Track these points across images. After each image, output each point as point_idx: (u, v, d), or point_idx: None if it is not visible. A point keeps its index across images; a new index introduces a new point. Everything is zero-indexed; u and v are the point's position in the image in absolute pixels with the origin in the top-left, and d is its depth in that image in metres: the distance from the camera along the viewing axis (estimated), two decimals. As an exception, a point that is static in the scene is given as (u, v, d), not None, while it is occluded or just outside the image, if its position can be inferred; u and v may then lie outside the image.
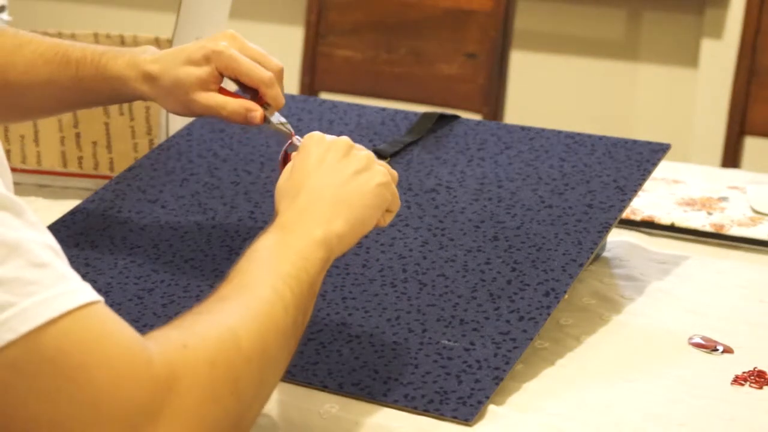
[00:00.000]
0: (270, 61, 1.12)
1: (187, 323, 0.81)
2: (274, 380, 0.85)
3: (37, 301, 0.71)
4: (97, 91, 1.15)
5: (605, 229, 1.14)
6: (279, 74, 1.12)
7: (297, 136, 1.07)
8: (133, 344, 0.75)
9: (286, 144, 1.07)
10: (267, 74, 1.10)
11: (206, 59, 1.10)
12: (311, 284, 0.90)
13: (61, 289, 0.72)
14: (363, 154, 0.99)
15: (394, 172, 1.01)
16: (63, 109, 1.24)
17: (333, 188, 0.95)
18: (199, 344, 0.78)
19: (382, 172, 0.98)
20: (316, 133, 1.00)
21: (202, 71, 1.10)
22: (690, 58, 2.82)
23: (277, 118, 1.10)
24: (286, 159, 1.06)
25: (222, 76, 1.11)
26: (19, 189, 1.44)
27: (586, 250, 1.11)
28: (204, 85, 1.10)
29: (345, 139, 0.99)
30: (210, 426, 0.77)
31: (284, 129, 1.09)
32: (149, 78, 1.12)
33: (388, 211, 0.99)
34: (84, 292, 0.74)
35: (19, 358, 0.71)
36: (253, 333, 0.82)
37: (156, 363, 0.75)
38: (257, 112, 1.10)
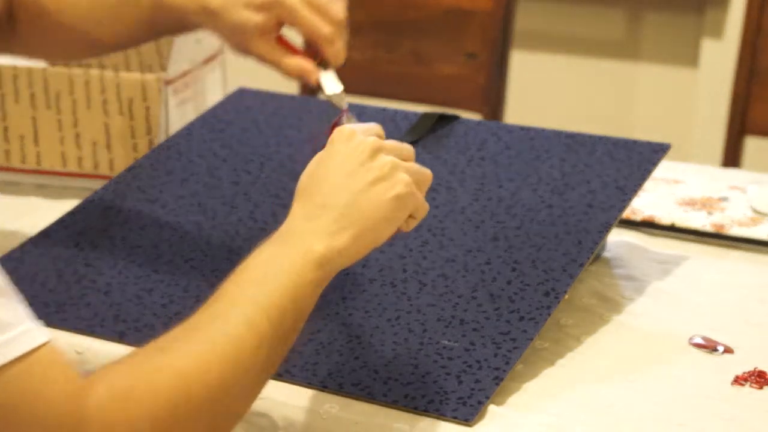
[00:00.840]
0: (332, 12, 1.05)
1: (141, 363, 0.78)
2: (232, 422, 0.82)
3: None
4: (159, 23, 1.11)
5: (605, 229, 1.14)
6: (340, 26, 1.05)
7: (349, 113, 1.02)
8: (68, 401, 0.73)
9: (336, 117, 1.02)
10: (326, 30, 1.03)
11: (266, 6, 1.05)
12: (298, 311, 0.86)
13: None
14: (387, 160, 0.91)
15: (427, 172, 0.95)
16: (124, 43, 1.18)
17: (348, 195, 0.90)
18: (145, 396, 0.75)
19: (404, 182, 0.91)
20: (347, 128, 0.93)
21: (260, 18, 1.05)
22: (690, 58, 2.82)
23: (331, 86, 1.04)
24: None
25: (282, 24, 1.06)
26: (19, 189, 1.44)
27: (586, 250, 1.11)
28: (262, 32, 1.05)
29: (373, 140, 0.92)
30: None
31: (336, 101, 1.03)
32: (209, 12, 1.06)
33: (411, 216, 0.94)
34: (22, 342, 0.72)
35: None
36: (212, 379, 0.79)
37: (92, 421, 0.73)
38: (312, 75, 1.05)
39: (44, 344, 0.74)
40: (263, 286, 0.85)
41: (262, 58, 1.06)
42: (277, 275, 0.85)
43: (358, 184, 0.90)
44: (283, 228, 0.90)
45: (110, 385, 0.75)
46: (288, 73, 1.05)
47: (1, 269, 0.74)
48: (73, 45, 1.17)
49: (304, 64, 1.05)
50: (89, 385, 0.75)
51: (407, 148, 0.96)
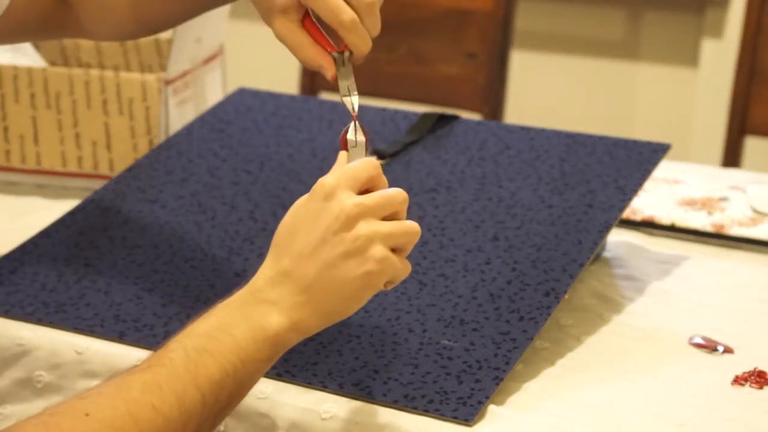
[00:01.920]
0: None
1: (63, 413, 0.75)
2: None
3: None
4: None
5: (605, 229, 1.14)
6: (366, 10, 0.91)
7: (359, 121, 0.93)
8: None
9: (347, 126, 0.94)
10: (348, 16, 0.91)
11: None
12: (238, 387, 0.83)
13: None
14: (363, 232, 0.84)
15: (413, 229, 0.87)
16: (173, 20, 1.11)
17: (315, 267, 0.84)
18: None
19: (377, 258, 0.84)
20: (328, 182, 0.85)
21: None
22: (690, 58, 2.82)
23: (346, 87, 0.95)
24: (343, 143, 0.93)
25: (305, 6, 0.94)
26: (19, 189, 1.44)
27: (586, 250, 1.11)
28: (284, 12, 0.95)
29: (352, 205, 0.84)
30: None
31: (347, 104, 0.95)
32: None
33: (389, 281, 0.88)
34: None
35: None
36: None
37: None
38: (328, 72, 0.95)
39: None
40: (206, 357, 0.81)
41: (281, 40, 0.96)
42: (224, 347, 0.82)
43: (328, 255, 0.84)
44: (249, 286, 0.86)
45: None
46: (304, 63, 0.96)
47: None
48: (125, 23, 1.08)
49: (320, 57, 0.95)
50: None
51: (397, 200, 0.87)
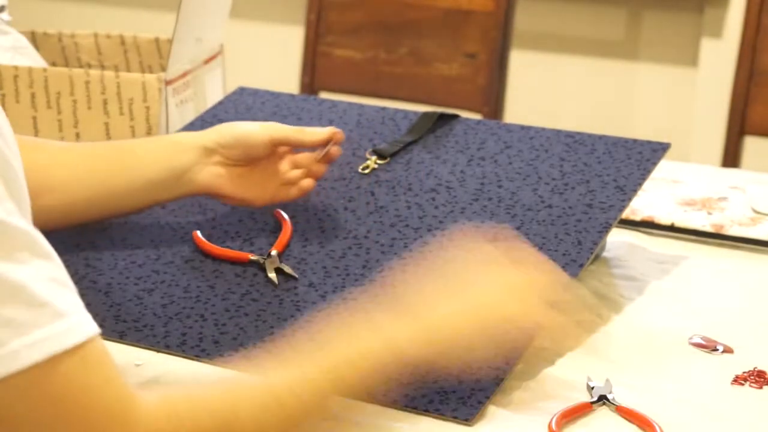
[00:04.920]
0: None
1: (192, 391, 0.81)
2: None
3: (28, 343, 0.70)
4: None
5: (605, 229, 1.14)
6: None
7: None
8: (118, 400, 0.74)
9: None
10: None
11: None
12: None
13: (54, 330, 0.72)
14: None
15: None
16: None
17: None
18: (189, 421, 0.77)
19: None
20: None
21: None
22: (690, 57, 2.82)
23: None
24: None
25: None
26: (19, 189, 1.44)
27: (586, 250, 1.11)
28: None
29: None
30: None
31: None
32: None
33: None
34: (78, 331, 0.73)
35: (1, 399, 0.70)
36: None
37: (140, 426, 0.74)
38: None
39: (96, 336, 0.75)
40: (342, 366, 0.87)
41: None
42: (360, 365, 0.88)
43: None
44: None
45: (160, 398, 0.77)
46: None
47: (59, 261, 0.75)
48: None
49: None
50: (135, 391, 0.76)
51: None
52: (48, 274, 0.73)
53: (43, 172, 1.09)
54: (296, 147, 1.18)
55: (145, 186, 1.13)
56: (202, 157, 1.14)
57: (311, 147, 1.16)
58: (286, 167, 1.18)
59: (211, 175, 1.15)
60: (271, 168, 1.17)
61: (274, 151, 1.17)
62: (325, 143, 1.17)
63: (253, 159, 1.16)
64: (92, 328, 0.75)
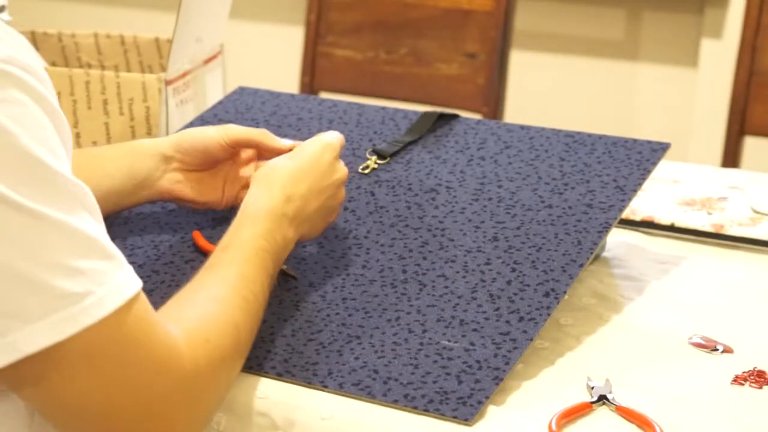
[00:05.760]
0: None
1: (203, 312, 0.92)
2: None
3: (109, 290, 0.82)
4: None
5: (605, 229, 1.14)
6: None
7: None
8: (166, 344, 0.86)
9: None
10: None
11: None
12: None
13: (123, 278, 0.84)
14: (342, 187, 1.13)
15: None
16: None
17: (317, 203, 1.09)
18: (218, 341, 0.91)
19: (342, 200, 1.13)
20: (334, 147, 1.12)
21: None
22: (690, 58, 2.82)
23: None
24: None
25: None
26: (19, 189, 1.44)
27: (586, 250, 1.11)
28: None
29: (346, 173, 1.13)
30: (212, 407, 0.93)
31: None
32: None
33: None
34: (135, 279, 0.86)
35: (91, 342, 0.82)
36: (248, 331, 0.97)
37: (185, 358, 0.87)
38: None
39: (140, 288, 0.86)
40: (265, 255, 1.02)
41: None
42: (272, 251, 1.03)
43: (326, 200, 1.10)
44: (271, 209, 1.05)
45: (189, 332, 0.89)
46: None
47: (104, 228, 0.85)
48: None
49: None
50: (171, 328, 0.88)
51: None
52: (101, 227, 0.85)
53: None
54: (258, 148, 1.19)
55: (108, 192, 1.16)
56: (160, 164, 1.17)
57: (274, 153, 1.16)
58: (249, 172, 1.19)
59: (170, 181, 1.18)
60: (232, 172, 1.20)
61: (234, 153, 1.19)
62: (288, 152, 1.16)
63: (211, 163, 1.18)
64: (135, 279, 0.86)
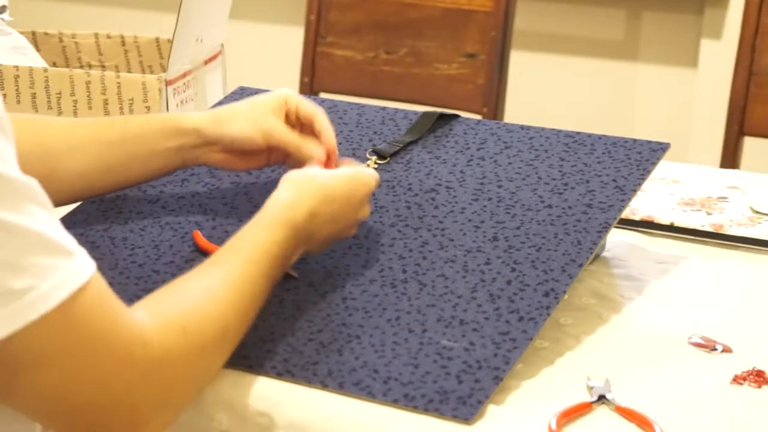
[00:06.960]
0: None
1: (188, 302, 0.92)
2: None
3: (53, 283, 0.81)
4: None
5: (605, 229, 1.14)
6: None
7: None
8: (130, 327, 0.85)
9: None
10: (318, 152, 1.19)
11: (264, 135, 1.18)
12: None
13: (70, 268, 0.82)
14: (357, 226, 1.14)
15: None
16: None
17: (331, 231, 1.09)
18: (199, 332, 0.91)
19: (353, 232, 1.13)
20: (369, 189, 1.12)
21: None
22: (689, 58, 2.83)
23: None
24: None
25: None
26: (20, 189, 1.44)
27: (586, 250, 1.11)
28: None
29: (368, 214, 1.14)
30: (187, 396, 0.92)
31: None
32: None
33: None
34: (86, 266, 0.84)
35: (41, 337, 0.81)
36: (236, 328, 0.97)
37: (152, 346, 0.86)
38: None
39: (96, 269, 0.85)
40: (260, 248, 1.02)
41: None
42: (270, 248, 1.03)
43: (340, 230, 1.11)
44: (289, 220, 1.05)
45: (164, 319, 0.89)
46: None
47: (50, 203, 0.84)
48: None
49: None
50: (141, 315, 0.87)
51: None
52: (51, 219, 0.83)
53: (57, 143, 1.15)
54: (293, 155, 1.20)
55: (159, 170, 1.19)
56: (204, 146, 1.18)
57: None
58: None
59: (214, 159, 1.20)
60: (267, 154, 1.22)
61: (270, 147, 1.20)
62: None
63: (253, 152, 1.20)
64: (92, 262, 0.85)
